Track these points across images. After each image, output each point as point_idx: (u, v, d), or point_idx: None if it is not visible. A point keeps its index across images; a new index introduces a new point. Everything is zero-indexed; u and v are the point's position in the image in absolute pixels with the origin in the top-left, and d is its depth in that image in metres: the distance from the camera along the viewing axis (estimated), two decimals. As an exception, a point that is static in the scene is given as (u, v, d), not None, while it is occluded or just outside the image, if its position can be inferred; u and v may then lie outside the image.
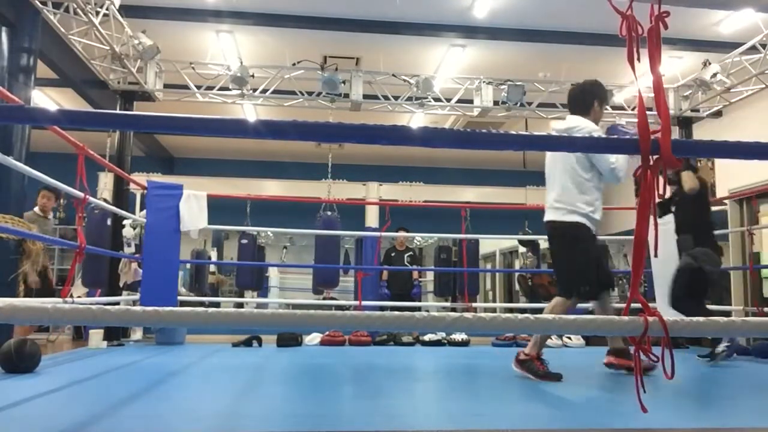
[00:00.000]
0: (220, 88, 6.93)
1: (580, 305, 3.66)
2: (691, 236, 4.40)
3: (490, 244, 12.05)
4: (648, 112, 1.76)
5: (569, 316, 1.80)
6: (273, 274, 11.11)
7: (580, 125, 3.42)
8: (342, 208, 7.11)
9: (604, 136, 3.32)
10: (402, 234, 7.37)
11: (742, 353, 4.89)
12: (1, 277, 4.83)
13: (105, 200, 6.63)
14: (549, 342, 5.20)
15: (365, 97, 6.97)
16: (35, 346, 3.46)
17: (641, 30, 1.79)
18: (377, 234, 6.76)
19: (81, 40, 5.71)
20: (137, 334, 5.75)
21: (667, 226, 4.43)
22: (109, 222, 5.86)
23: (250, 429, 2.21)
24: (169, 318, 1.72)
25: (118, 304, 4.87)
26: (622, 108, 7.51)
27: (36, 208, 5.37)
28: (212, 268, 10.28)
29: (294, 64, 6.86)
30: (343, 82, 6.83)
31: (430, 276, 10.21)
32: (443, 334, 5.50)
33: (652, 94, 1.77)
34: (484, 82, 7.15)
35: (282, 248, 12.24)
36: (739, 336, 4.78)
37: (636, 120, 1.79)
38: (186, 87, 6.93)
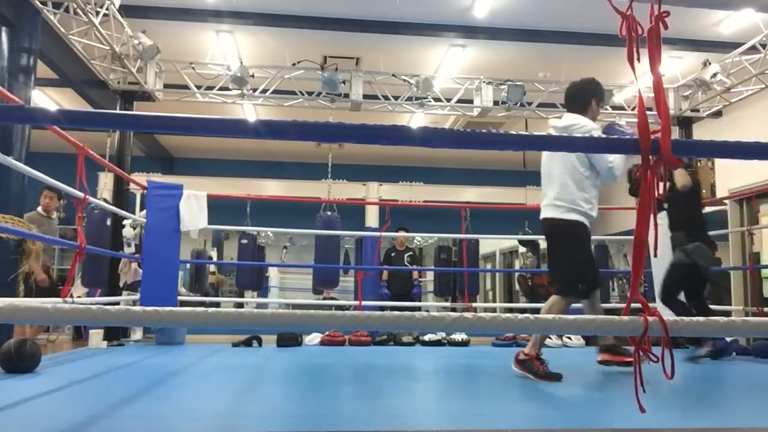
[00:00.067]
0: (220, 88, 6.93)
1: (574, 305, 3.67)
2: (683, 233, 4.42)
3: (490, 244, 12.06)
4: (648, 112, 1.76)
5: (569, 316, 1.80)
6: (273, 274, 11.11)
7: (579, 123, 3.42)
8: (342, 208, 7.11)
9: (603, 135, 3.33)
10: (402, 234, 7.37)
11: (742, 353, 4.89)
12: (1, 277, 4.83)
13: (105, 200, 6.63)
14: (549, 342, 5.21)
15: (365, 97, 6.97)
16: (35, 346, 3.46)
17: (641, 30, 1.79)
18: (377, 234, 6.76)
19: (81, 40, 5.71)
20: (137, 334, 5.75)
21: (661, 221, 4.45)
22: (109, 222, 5.86)
23: (250, 429, 2.21)
24: (169, 318, 1.72)
25: (118, 304, 4.87)
26: (622, 108, 7.52)
27: (39, 208, 5.37)
28: (212, 268, 10.29)
29: (294, 64, 6.86)
30: (343, 82, 6.83)
31: (430, 276, 10.21)
32: (443, 334, 5.49)
33: (652, 94, 1.77)
34: (484, 82, 7.15)
35: (282, 248, 12.24)
36: (739, 336, 4.78)
37: (636, 120, 1.79)
38: (186, 87, 6.93)
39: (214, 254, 10.55)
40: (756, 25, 6.17)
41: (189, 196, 5.38)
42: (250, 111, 9.11)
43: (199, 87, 6.95)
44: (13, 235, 4.57)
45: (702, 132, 7.65)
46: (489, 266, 12.88)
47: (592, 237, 3.51)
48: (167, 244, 5.21)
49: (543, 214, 3.54)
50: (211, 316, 1.64)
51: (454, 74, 7.61)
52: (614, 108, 7.42)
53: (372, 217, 10.66)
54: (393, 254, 7.52)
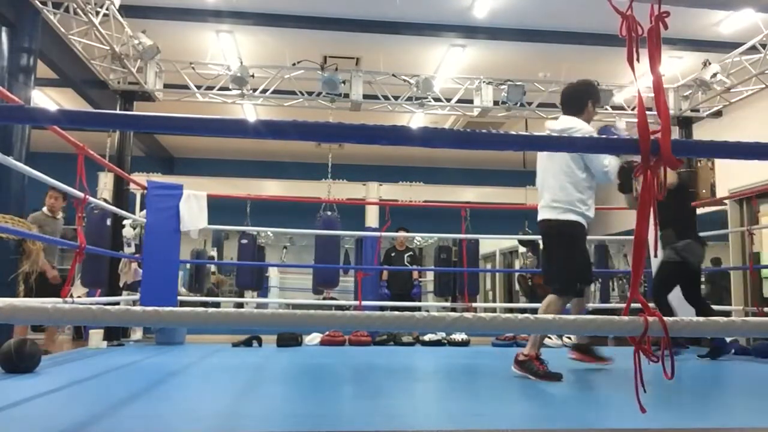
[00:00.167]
0: (220, 88, 6.93)
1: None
2: (672, 230, 4.44)
3: (490, 244, 12.06)
4: (648, 112, 1.76)
5: (569, 316, 1.80)
6: (273, 274, 11.12)
7: (576, 126, 3.44)
8: (342, 208, 7.11)
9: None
10: (402, 234, 7.37)
11: (742, 353, 4.89)
12: (1, 277, 4.83)
13: (105, 200, 6.63)
14: (549, 342, 5.21)
15: (365, 97, 6.97)
16: (35, 346, 3.46)
17: (641, 30, 1.79)
18: (377, 234, 6.76)
19: (81, 40, 5.71)
20: (137, 334, 5.75)
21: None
22: (109, 222, 5.86)
23: (250, 429, 2.21)
24: (169, 318, 1.72)
25: (118, 304, 4.87)
26: (622, 108, 7.51)
27: (44, 209, 5.38)
28: (212, 268, 10.29)
29: (294, 64, 6.86)
30: (343, 82, 6.83)
31: (430, 276, 10.22)
32: (443, 334, 5.49)
33: (652, 94, 1.77)
34: (484, 82, 7.15)
35: (282, 248, 12.25)
36: (739, 336, 4.79)
37: (636, 120, 1.79)
38: (186, 87, 6.93)
39: (214, 254, 10.55)
40: (756, 25, 6.17)
41: (189, 196, 5.38)
42: (250, 111, 9.11)
43: (199, 87, 6.95)
44: (13, 235, 4.57)
45: (702, 132, 7.65)
46: (489, 266, 12.88)
47: (592, 237, 3.54)
48: (167, 244, 5.21)
49: (540, 216, 3.57)
50: (211, 316, 1.64)
51: (454, 74, 7.61)
52: (614, 108, 7.42)
53: (372, 217, 10.66)
54: (393, 254, 7.52)
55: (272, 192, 11.06)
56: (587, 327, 1.87)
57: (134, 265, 5.96)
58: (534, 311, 3.92)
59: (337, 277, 6.75)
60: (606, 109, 7.26)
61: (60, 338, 6.57)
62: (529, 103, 7.27)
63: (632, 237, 1.76)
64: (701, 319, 1.79)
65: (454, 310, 7.88)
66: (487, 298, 12.48)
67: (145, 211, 5.36)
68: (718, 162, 8.38)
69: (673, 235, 4.45)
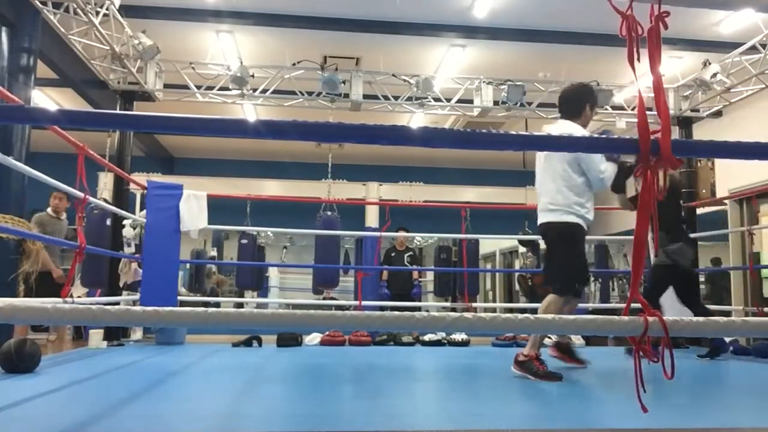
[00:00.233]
0: (220, 88, 6.93)
1: (580, 305, 3.71)
2: (664, 233, 4.45)
3: (490, 244, 12.06)
4: (648, 112, 1.76)
5: (569, 316, 1.80)
6: (273, 274, 11.12)
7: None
8: (342, 208, 7.11)
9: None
10: (402, 234, 7.37)
11: (742, 353, 4.89)
12: (1, 277, 4.84)
13: (105, 200, 6.62)
14: (548, 342, 5.21)
15: (365, 97, 6.96)
16: (35, 346, 3.46)
17: (641, 30, 1.79)
18: (377, 234, 6.76)
19: (81, 40, 5.71)
20: (137, 334, 5.75)
21: None
22: (109, 222, 5.86)
23: (250, 429, 2.21)
24: (169, 318, 1.72)
25: (118, 304, 4.87)
26: (622, 108, 7.51)
27: (49, 209, 5.38)
28: (213, 267, 10.29)
29: (294, 64, 6.85)
30: (343, 82, 6.82)
31: (430, 276, 10.22)
32: (443, 334, 5.49)
33: (652, 94, 1.77)
34: (484, 82, 7.14)
35: (282, 248, 12.25)
36: (739, 336, 4.79)
37: (636, 120, 1.79)
38: (186, 87, 6.92)
39: (214, 254, 10.54)
40: (756, 25, 6.17)
41: (189, 196, 5.38)
42: (250, 111, 9.11)
43: (199, 87, 6.95)
44: (13, 235, 4.58)
45: (702, 132, 7.65)
46: (489, 266, 12.88)
47: (592, 237, 3.56)
48: (167, 244, 5.21)
49: (541, 219, 3.59)
50: (211, 316, 1.64)
51: (454, 74, 7.61)
52: (614, 108, 7.42)
53: (372, 217, 10.66)
54: (393, 254, 7.52)
55: (272, 192, 11.06)
56: (587, 327, 1.87)
57: (134, 265, 5.96)
58: (534, 311, 3.93)
59: (337, 277, 6.75)
60: (606, 109, 7.25)
61: (55, 338, 6.57)
62: (529, 103, 7.27)
63: (632, 237, 1.77)
64: (701, 319, 1.80)
65: (454, 310, 7.88)
66: (487, 298, 12.48)
67: (145, 211, 5.36)
68: (718, 162, 8.38)
69: (665, 237, 4.47)
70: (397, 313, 1.91)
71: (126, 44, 6.05)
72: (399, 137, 2.06)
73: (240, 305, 8.47)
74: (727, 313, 6.59)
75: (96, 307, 1.64)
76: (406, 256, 7.50)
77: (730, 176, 7.91)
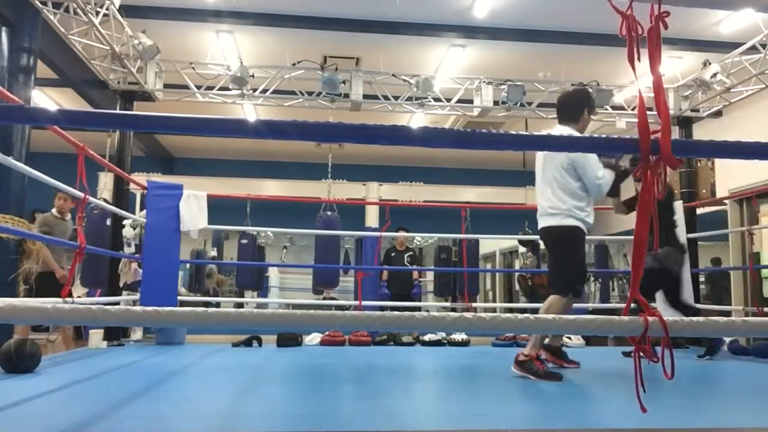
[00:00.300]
0: (220, 88, 6.93)
1: (579, 305, 3.72)
2: (652, 237, 4.45)
3: (490, 244, 12.06)
4: (648, 112, 1.76)
5: (569, 316, 1.80)
6: (273, 274, 11.12)
7: None
8: (342, 208, 7.10)
9: (594, 154, 3.45)
10: (402, 234, 7.37)
11: (742, 353, 4.89)
12: (1, 277, 4.84)
13: (105, 200, 6.62)
14: (548, 342, 5.21)
15: (365, 97, 6.96)
16: (35, 346, 3.46)
17: (641, 30, 1.79)
18: (377, 234, 6.76)
19: (81, 40, 5.71)
20: (137, 334, 5.75)
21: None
22: (109, 222, 5.85)
23: (250, 429, 2.21)
24: (169, 318, 1.72)
25: (118, 304, 4.87)
26: (622, 108, 7.51)
27: (54, 210, 5.38)
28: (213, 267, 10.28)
29: (294, 64, 6.85)
30: (343, 82, 6.82)
31: (430, 276, 10.21)
32: (443, 334, 5.49)
33: (652, 94, 1.77)
34: (484, 82, 7.14)
35: (282, 248, 12.25)
36: (739, 336, 4.79)
37: (636, 120, 1.79)
38: (186, 87, 6.93)
39: (215, 254, 10.54)
40: (756, 25, 6.17)
41: (189, 196, 5.38)
42: (250, 111, 9.10)
43: (199, 87, 6.95)
44: (13, 235, 4.58)
45: (702, 132, 7.65)
46: (489, 266, 12.88)
47: (592, 237, 3.57)
48: (167, 244, 5.20)
49: (541, 224, 3.63)
50: (211, 316, 1.64)
51: (454, 74, 7.61)
52: (614, 108, 7.42)
53: (372, 217, 10.66)
54: (393, 254, 7.52)
55: (272, 192, 11.06)
56: (587, 327, 1.87)
57: (134, 265, 5.96)
58: (534, 311, 3.93)
59: (337, 277, 6.75)
60: (606, 109, 7.26)
61: (60, 339, 6.58)
62: (529, 103, 7.27)
63: (632, 237, 1.77)
64: (701, 319, 1.80)
65: (454, 310, 7.88)
66: (487, 298, 12.47)
67: (145, 211, 5.36)
68: (718, 162, 8.38)
69: (651, 242, 4.47)
70: (397, 313, 1.91)
71: (126, 44, 6.05)
72: (399, 137, 2.06)
73: (240, 305, 8.47)
74: (727, 313, 6.59)
75: (96, 307, 1.64)
76: (406, 256, 7.50)
77: (730, 176, 7.91)
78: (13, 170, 3.85)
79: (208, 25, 7.01)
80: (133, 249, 6.07)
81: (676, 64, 7.42)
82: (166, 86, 6.94)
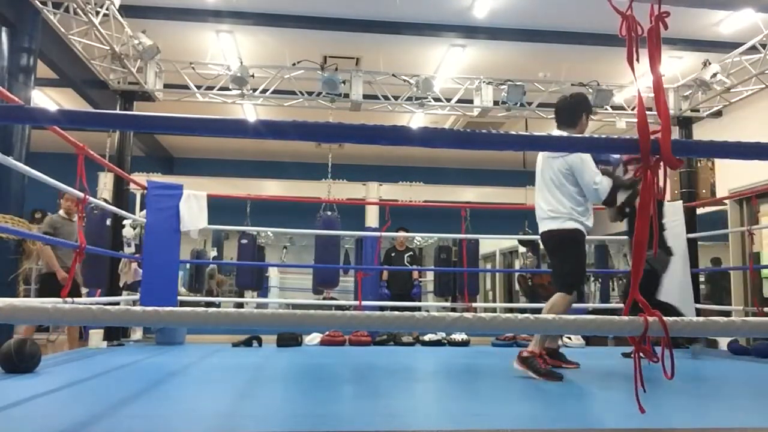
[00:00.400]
0: (220, 88, 6.93)
1: (579, 305, 3.72)
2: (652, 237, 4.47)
3: (490, 244, 12.06)
4: (648, 112, 1.76)
5: (569, 316, 1.80)
6: (273, 274, 11.12)
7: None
8: (342, 208, 7.11)
9: (591, 159, 3.48)
10: (402, 234, 7.37)
11: (742, 353, 4.89)
12: (1, 277, 4.84)
13: (105, 200, 6.63)
14: (569, 342, 5.26)
15: (365, 97, 6.97)
16: (35, 346, 3.46)
17: (641, 30, 1.79)
18: (377, 234, 6.76)
19: (81, 40, 5.71)
20: (137, 334, 5.75)
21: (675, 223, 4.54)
22: (109, 222, 5.86)
23: (250, 429, 2.21)
24: (169, 318, 1.72)
25: (118, 304, 4.87)
26: (622, 108, 7.51)
27: (61, 211, 5.38)
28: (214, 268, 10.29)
29: (294, 64, 6.86)
30: (343, 82, 6.82)
31: (430, 276, 10.22)
32: (443, 334, 5.49)
33: (652, 94, 1.77)
34: (484, 82, 7.14)
35: (282, 248, 12.26)
36: (739, 336, 4.79)
37: (636, 120, 1.79)
38: (186, 87, 6.93)
39: (215, 254, 10.55)
40: (756, 25, 6.17)
41: (189, 196, 5.38)
42: (250, 111, 9.11)
43: (199, 87, 6.95)
44: (13, 235, 4.58)
45: (702, 132, 7.65)
46: (489, 266, 12.88)
47: (592, 237, 3.58)
48: (167, 244, 5.20)
49: (542, 228, 3.66)
50: (211, 316, 1.64)
51: (454, 74, 7.61)
52: (614, 108, 7.42)
53: (372, 217, 10.66)
54: (393, 254, 7.52)
55: (272, 192, 11.07)
56: (587, 327, 1.87)
57: (134, 265, 5.96)
58: (534, 311, 3.93)
59: (337, 277, 6.76)
60: (606, 109, 7.25)
61: (60, 338, 6.58)
62: (529, 103, 7.27)
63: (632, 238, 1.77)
64: (701, 319, 1.80)
65: (454, 310, 7.88)
66: (487, 298, 12.48)
67: (145, 211, 5.36)
68: (718, 162, 8.38)
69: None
70: (397, 313, 1.91)
71: (126, 44, 6.06)
72: (399, 137, 2.06)
73: (240, 305, 8.47)
74: (727, 313, 6.59)
75: (96, 307, 1.64)
76: (406, 256, 7.50)
77: (730, 176, 7.92)
78: (13, 170, 3.85)
79: (208, 25, 7.01)
80: (133, 249, 6.07)
81: (676, 64, 7.42)
82: (166, 86, 6.94)
